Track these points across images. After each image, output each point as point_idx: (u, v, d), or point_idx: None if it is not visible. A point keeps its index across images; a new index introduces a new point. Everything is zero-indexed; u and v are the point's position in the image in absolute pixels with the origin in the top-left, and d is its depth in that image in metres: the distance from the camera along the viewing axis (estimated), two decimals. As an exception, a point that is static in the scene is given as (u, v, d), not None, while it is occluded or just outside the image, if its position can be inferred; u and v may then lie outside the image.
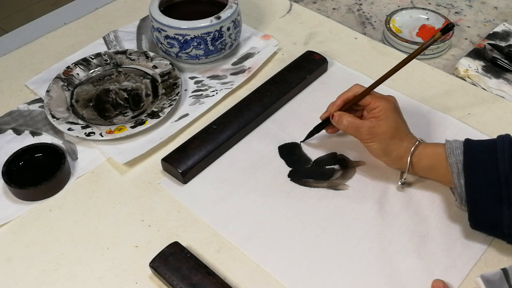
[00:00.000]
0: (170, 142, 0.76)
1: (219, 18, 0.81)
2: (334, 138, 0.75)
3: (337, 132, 0.74)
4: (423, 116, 0.78)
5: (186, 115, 0.79)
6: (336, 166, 0.72)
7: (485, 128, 0.76)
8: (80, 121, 0.77)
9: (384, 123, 0.65)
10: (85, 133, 0.74)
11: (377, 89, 0.68)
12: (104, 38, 0.94)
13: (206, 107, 0.80)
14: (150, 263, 0.60)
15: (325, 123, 0.72)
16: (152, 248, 0.63)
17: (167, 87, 0.82)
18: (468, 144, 0.62)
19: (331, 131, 0.74)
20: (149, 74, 0.85)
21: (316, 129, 0.74)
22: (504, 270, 0.58)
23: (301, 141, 0.75)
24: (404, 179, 0.67)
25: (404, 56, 0.87)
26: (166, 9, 0.87)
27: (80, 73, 0.85)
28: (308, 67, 0.84)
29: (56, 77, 0.83)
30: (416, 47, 0.88)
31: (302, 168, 0.72)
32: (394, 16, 0.94)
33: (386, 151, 0.66)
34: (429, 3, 1.03)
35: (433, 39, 0.63)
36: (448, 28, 0.62)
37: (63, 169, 0.69)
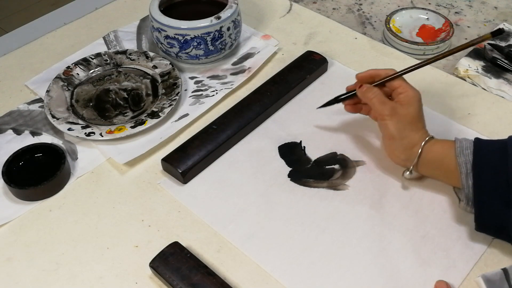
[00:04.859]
0: (170, 142, 0.76)
1: (219, 18, 0.81)
2: (334, 138, 0.75)
3: (354, 112, 0.73)
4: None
5: (186, 115, 0.79)
6: (336, 166, 0.72)
7: (485, 128, 0.76)
8: (80, 121, 0.77)
9: (407, 107, 0.66)
10: (85, 133, 0.74)
11: None
12: (104, 38, 0.94)
13: (206, 107, 0.80)
14: (150, 263, 0.60)
15: (349, 94, 0.72)
16: (152, 248, 0.63)
17: (167, 87, 0.82)
18: (478, 144, 0.61)
19: (349, 108, 0.72)
20: (149, 74, 0.84)
21: (337, 99, 0.73)
22: (505, 270, 0.58)
23: (317, 108, 0.74)
24: (412, 169, 0.66)
25: (404, 56, 0.88)
26: (166, 9, 0.87)
27: (80, 73, 0.85)
28: (308, 67, 0.84)
29: (56, 77, 0.83)
30: (416, 47, 0.88)
31: (302, 168, 0.72)
32: (394, 16, 0.94)
33: (401, 133, 0.65)
34: (429, 3, 1.03)
35: (481, 39, 0.64)
36: (499, 32, 0.64)
37: (63, 169, 0.69)
